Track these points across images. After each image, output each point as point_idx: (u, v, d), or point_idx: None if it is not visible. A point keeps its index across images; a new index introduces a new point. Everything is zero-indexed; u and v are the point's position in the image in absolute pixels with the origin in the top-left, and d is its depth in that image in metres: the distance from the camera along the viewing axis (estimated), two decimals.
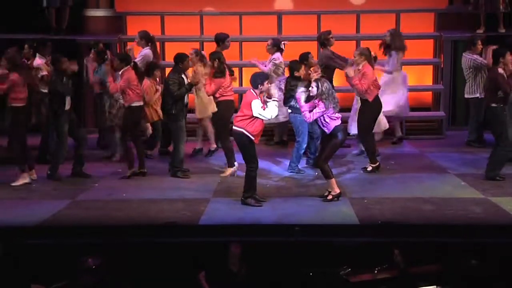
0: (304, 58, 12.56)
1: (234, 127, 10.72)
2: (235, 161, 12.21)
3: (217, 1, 16.54)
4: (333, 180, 10.90)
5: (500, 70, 11.60)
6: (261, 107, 10.52)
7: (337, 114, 10.83)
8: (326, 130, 10.87)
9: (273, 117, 10.77)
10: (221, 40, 13.38)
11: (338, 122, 10.84)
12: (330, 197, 10.82)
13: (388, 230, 9.59)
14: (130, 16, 16.37)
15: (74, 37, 15.54)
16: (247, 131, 10.55)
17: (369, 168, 12.35)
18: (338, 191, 10.85)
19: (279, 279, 8.79)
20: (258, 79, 10.67)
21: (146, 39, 13.85)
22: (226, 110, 12.33)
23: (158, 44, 14.68)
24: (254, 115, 10.53)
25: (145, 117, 12.65)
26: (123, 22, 16.30)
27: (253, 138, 10.61)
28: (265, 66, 13.55)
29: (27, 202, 11.00)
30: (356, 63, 12.25)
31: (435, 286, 8.46)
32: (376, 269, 8.75)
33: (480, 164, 12.24)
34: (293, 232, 9.42)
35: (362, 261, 8.85)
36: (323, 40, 13.54)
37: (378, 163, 12.36)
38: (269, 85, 10.76)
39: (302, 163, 12.42)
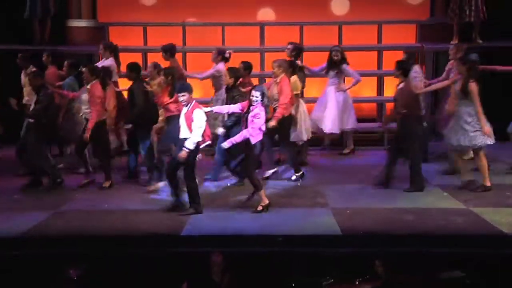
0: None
1: None
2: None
3: (199, 12, 16.59)
4: (262, 191, 10.93)
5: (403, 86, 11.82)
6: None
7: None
8: (254, 140, 10.70)
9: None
10: (169, 50, 13.41)
11: (261, 135, 10.88)
12: (260, 208, 10.87)
13: (370, 241, 9.64)
14: (112, 27, 16.38)
15: (56, 47, 15.49)
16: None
17: (294, 177, 12.52)
18: (267, 202, 10.91)
19: None
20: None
21: (110, 49, 13.87)
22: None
23: (140, 54, 14.62)
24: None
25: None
26: (106, 33, 16.30)
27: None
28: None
29: (9, 213, 10.93)
30: (275, 75, 12.25)
31: None
32: (358, 280, 8.78)
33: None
34: (276, 242, 9.46)
35: (345, 271, 8.87)
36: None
37: (302, 172, 12.55)
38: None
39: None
